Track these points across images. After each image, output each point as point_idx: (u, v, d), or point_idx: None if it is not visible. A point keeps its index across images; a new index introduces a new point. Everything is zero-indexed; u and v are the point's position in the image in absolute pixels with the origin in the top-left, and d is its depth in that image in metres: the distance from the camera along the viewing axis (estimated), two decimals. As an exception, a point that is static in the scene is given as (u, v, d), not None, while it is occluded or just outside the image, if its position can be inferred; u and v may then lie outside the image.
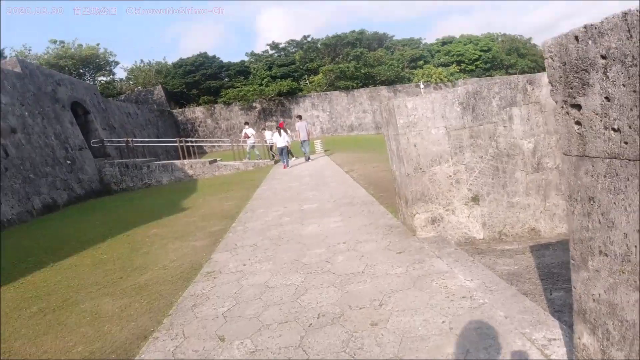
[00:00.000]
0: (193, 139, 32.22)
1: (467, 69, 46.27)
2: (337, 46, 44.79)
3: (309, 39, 46.02)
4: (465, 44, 48.10)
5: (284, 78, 41.14)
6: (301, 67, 43.93)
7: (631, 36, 1.62)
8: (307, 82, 43.48)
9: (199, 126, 40.75)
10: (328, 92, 40.34)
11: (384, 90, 40.89)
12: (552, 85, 2.15)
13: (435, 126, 5.31)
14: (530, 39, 54.78)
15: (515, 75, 47.54)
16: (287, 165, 18.84)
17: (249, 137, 23.28)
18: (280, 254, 5.73)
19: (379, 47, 48.26)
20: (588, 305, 2.16)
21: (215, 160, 23.10)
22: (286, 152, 19.36)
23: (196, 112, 40.98)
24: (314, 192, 10.64)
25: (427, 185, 5.39)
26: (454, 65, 45.16)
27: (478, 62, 47.10)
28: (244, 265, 5.49)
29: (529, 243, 5.13)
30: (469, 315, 3.30)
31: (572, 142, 2.09)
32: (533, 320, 3.09)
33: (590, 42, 1.83)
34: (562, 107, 2.11)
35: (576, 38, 1.91)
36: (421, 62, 45.07)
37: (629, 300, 1.87)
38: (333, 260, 5.14)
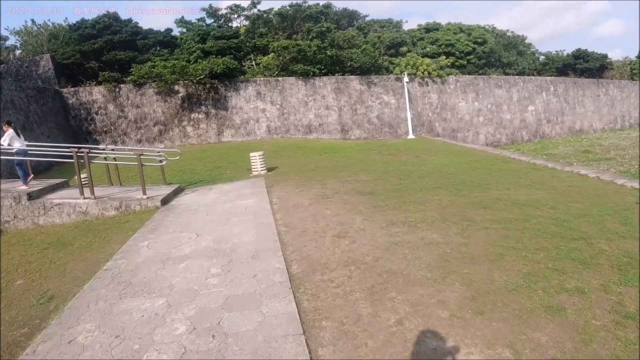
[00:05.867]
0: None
1: (457, 63, 36.67)
2: (295, 20, 33.81)
3: (259, 7, 34.79)
4: (455, 33, 38.52)
5: (221, 54, 29.74)
6: (247, 43, 32.60)
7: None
8: (253, 63, 32.26)
9: (96, 114, 28.74)
10: (280, 79, 29.31)
11: (354, 82, 30.43)
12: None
13: None
14: (525, 37, 46.13)
15: (514, 76, 38.35)
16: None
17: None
18: None
19: (349, 26, 37.81)
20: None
21: (49, 189, 11.94)
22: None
23: (94, 94, 28.86)
24: None
25: None
26: (443, 57, 35.47)
27: (471, 57, 37.62)
28: None
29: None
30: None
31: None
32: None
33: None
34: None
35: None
36: (404, 49, 34.95)
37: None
38: None
